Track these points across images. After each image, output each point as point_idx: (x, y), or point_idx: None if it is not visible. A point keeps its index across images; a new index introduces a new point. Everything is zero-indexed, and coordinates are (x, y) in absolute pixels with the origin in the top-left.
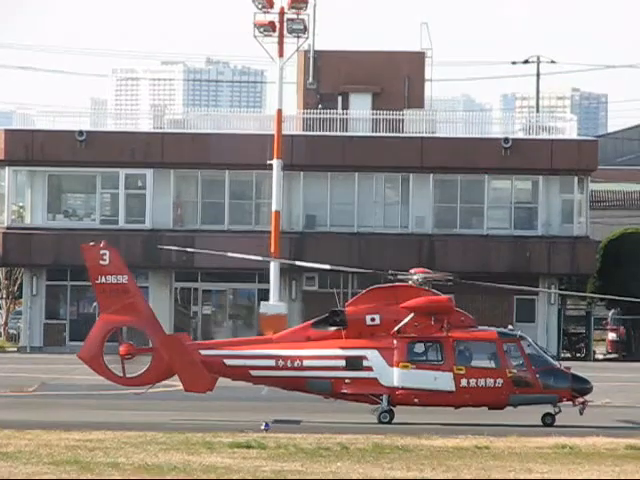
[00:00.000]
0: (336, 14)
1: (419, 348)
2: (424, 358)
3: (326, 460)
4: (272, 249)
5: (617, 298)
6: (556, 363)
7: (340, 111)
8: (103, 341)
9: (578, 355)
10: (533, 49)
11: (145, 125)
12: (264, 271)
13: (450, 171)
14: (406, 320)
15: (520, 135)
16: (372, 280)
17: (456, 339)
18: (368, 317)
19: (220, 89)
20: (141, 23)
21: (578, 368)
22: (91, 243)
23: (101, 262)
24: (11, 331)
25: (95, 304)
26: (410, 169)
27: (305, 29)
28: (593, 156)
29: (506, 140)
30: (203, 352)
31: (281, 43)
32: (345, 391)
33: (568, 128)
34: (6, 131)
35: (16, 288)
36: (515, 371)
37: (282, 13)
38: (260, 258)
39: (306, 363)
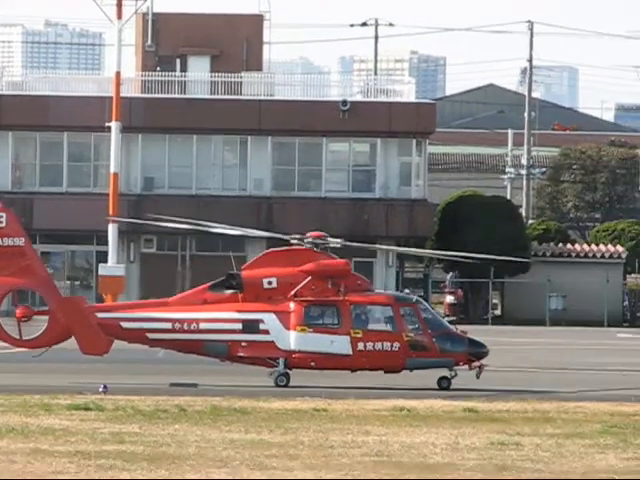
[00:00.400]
0: None
1: (316, 311)
2: (321, 322)
3: (164, 422)
4: (110, 211)
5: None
6: (452, 327)
7: (179, 73)
8: None
9: None
10: (371, 11)
11: None
12: (103, 233)
13: (288, 134)
14: (303, 283)
15: (358, 98)
16: (209, 244)
17: (353, 303)
18: (265, 280)
19: (59, 51)
20: None
21: None
22: None
23: None
24: None
25: None
26: (248, 132)
27: None
28: (431, 119)
29: (344, 103)
30: (99, 315)
31: (119, 5)
32: (242, 354)
33: (406, 91)
34: None
35: None
36: (412, 335)
37: None
38: (243, 232)
39: (202, 326)
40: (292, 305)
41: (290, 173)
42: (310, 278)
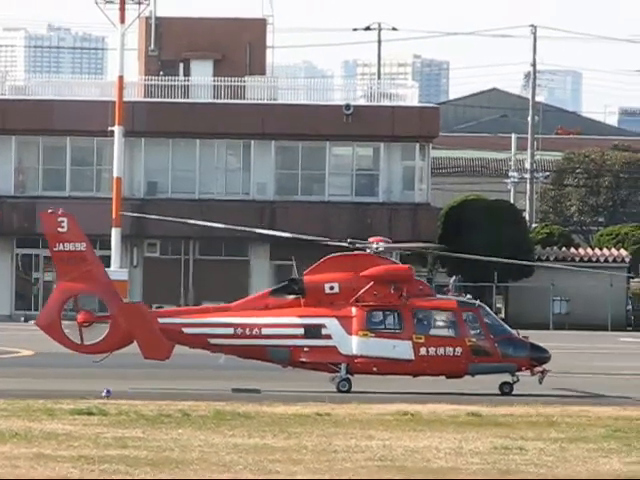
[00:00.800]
0: None
1: (378, 316)
2: (383, 327)
3: (167, 427)
4: (114, 215)
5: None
6: (514, 332)
7: (182, 78)
8: (61, 309)
9: None
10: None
11: None
12: (106, 237)
13: (291, 138)
14: (365, 288)
15: (362, 102)
16: (212, 248)
17: (415, 307)
18: (327, 285)
19: (62, 55)
20: None
21: None
22: (49, 211)
23: (59, 229)
24: None
25: None
26: (251, 136)
27: None
28: (434, 123)
29: (347, 107)
30: (161, 320)
31: (122, 9)
32: (304, 359)
33: (409, 95)
34: None
35: None
36: (474, 340)
37: None
38: (246, 229)
39: (264, 331)
40: (354, 310)
41: (293, 177)
42: (372, 283)
